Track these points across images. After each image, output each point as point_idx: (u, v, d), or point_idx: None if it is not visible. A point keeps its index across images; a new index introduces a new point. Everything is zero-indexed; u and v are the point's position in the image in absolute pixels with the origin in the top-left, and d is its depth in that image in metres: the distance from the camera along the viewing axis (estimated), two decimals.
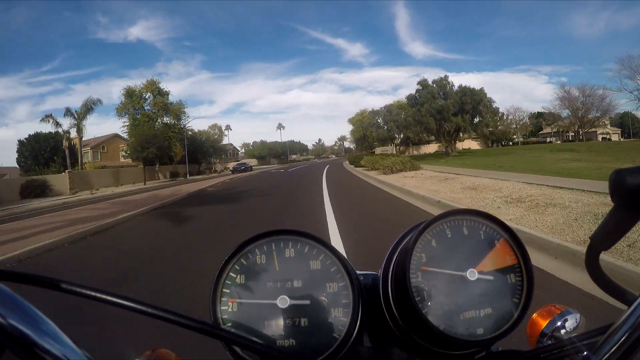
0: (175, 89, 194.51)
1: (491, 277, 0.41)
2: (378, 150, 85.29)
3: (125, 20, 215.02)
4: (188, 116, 44.41)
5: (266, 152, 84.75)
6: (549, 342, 0.42)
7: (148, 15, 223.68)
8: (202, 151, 49.48)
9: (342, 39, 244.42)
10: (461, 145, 65.70)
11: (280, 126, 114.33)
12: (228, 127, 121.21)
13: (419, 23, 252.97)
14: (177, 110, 41.82)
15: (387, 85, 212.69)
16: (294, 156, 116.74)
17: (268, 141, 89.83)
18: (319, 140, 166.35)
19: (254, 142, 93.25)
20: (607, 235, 0.35)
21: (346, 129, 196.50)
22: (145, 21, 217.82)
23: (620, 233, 0.34)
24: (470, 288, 0.40)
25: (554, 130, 76.82)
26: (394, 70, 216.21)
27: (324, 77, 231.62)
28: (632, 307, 0.30)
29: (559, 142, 72.55)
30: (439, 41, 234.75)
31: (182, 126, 43.70)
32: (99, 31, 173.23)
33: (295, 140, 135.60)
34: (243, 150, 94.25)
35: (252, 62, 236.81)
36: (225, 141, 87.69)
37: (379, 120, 53.53)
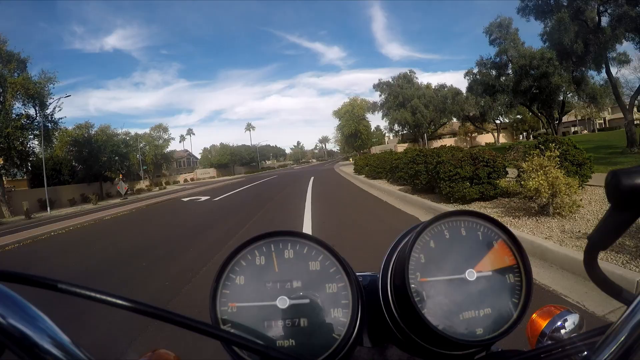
0: (152, 98, 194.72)
1: (490, 278, 0.41)
2: (376, 149, 66.58)
3: (102, 29, 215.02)
4: (58, 99, 24.63)
5: (228, 158, 64.54)
6: (549, 342, 0.42)
7: (124, 24, 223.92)
8: (100, 161, 29.50)
9: (319, 42, 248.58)
10: (479, 138, 48.18)
11: (249, 127, 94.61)
12: (190, 132, 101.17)
13: (395, 25, 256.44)
14: (23, 87, 21.88)
15: (364, 88, 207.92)
16: (268, 162, 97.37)
17: (234, 144, 69.44)
18: (298, 143, 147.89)
19: (212, 147, 72.80)
20: (604, 235, 0.36)
21: (328, 131, 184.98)
22: (121, 30, 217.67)
23: (618, 233, 0.35)
24: (470, 288, 0.40)
25: (579, 118, 62.32)
26: (371, 72, 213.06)
27: (302, 81, 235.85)
28: (631, 307, 0.31)
29: (585, 131, 57.28)
30: (415, 42, 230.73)
31: (46, 116, 23.88)
32: (74, 42, 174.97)
33: (271, 145, 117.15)
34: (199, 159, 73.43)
35: (230, 69, 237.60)
36: (188, 148, 67.83)
37: (387, 98, 34.40)
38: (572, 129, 59.16)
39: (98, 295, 0.29)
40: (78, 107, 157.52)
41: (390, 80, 34.53)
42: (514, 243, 0.43)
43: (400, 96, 32.70)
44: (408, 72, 34.59)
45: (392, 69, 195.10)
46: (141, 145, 57.21)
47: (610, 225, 0.34)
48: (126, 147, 32.68)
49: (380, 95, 35.90)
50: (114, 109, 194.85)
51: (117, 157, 31.39)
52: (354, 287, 0.40)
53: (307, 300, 0.40)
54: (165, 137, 59.76)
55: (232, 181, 30.68)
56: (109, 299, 0.29)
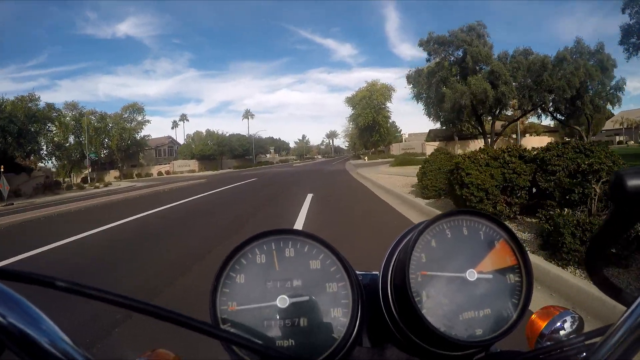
0: (162, 87, 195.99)
1: (490, 278, 0.41)
2: (396, 147, 54.63)
3: (114, 16, 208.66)
4: None
5: (213, 149, 52.51)
6: (548, 343, 0.41)
7: (137, 12, 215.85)
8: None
9: (331, 39, 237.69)
10: (523, 141, 36.39)
11: (247, 114, 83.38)
12: (184, 118, 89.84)
13: (408, 25, 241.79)
14: None
15: None
16: (268, 155, 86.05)
17: (224, 133, 57.34)
18: (303, 137, 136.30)
19: (197, 133, 59.04)
20: (607, 236, 0.36)
21: (335, 127, 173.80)
22: (134, 18, 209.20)
23: (620, 234, 0.34)
24: (470, 288, 0.40)
25: (625, 126, 50.93)
26: (382, 71, 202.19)
27: (312, 77, 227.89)
28: (631, 308, 0.30)
29: (631, 142, 45.79)
30: (427, 43, 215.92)
31: None
32: (87, 27, 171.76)
33: (274, 137, 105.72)
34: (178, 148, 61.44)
35: (241, 61, 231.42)
36: (182, 136, 56.57)
37: (441, 62, 21.40)
38: (617, 139, 47.77)
39: (97, 293, 0.29)
40: (87, 92, 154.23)
41: (447, 35, 21.05)
42: (515, 243, 0.42)
43: (469, 57, 19.45)
44: (476, 24, 21.04)
45: (403, 69, 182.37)
46: (109, 127, 46.59)
47: (614, 227, 0.34)
48: (34, 123, 21.26)
49: (429, 59, 22.13)
50: (124, 95, 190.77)
51: (10, 137, 20.03)
52: (354, 286, 0.40)
53: (307, 300, 0.40)
54: (140, 119, 48.63)
55: (180, 184, 19.47)
56: (108, 297, 0.29)
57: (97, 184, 31.47)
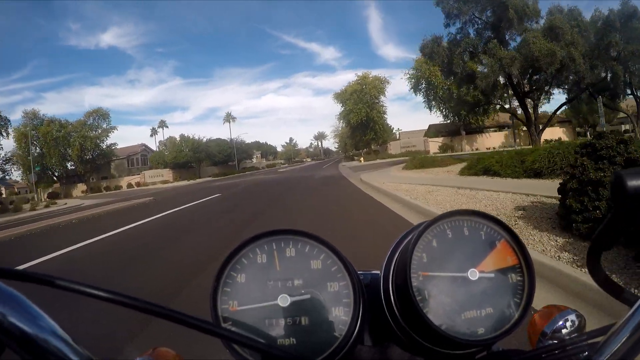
0: (147, 96, 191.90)
1: (492, 277, 0.41)
2: (394, 145, 49.48)
3: (97, 26, 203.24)
4: None
5: (188, 155, 46.98)
6: (550, 342, 0.41)
7: (121, 22, 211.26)
8: None
9: (315, 42, 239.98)
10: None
11: (229, 117, 77.82)
12: (163, 124, 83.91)
13: (391, 26, 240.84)
14: None
15: None
16: (253, 160, 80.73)
17: (201, 138, 51.25)
18: (290, 140, 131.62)
19: (170, 140, 52.06)
20: (607, 235, 0.36)
21: (325, 128, 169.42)
22: (117, 27, 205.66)
23: (621, 234, 0.35)
24: (472, 288, 0.40)
25: (631, 114, 47.57)
26: (366, 73, 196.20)
27: (297, 81, 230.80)
28: (634, 307, 0.31)
29: None
30: (411, 43, 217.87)
31: None
32: (69, 38, 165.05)
33: (261, 142, 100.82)
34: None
35: (226, 67, 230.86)
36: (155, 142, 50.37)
37: (464, 26, 16.09)
38: (623, 127, 44.29)
39: (97, 292, 0.29)
40: (72, 103, 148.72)
41: None
42: (517, 243, 0.43)
43: (512, 11, 14.19)
44: None
45: (387, 70, 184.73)
46: (70, 136, 40.99)
47: (614, 227, 0.34)
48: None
49: (447, 24, 16.83)
50: (110, 105, 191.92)
51: None
52: (356, 285, 0.40)
53: (308, 299, 0.40)
54: (105, 126, 42.79)
55: (115, 207, 14.54)
56: (108, 295, 0.29)
57: (44, 203, 26.12)
